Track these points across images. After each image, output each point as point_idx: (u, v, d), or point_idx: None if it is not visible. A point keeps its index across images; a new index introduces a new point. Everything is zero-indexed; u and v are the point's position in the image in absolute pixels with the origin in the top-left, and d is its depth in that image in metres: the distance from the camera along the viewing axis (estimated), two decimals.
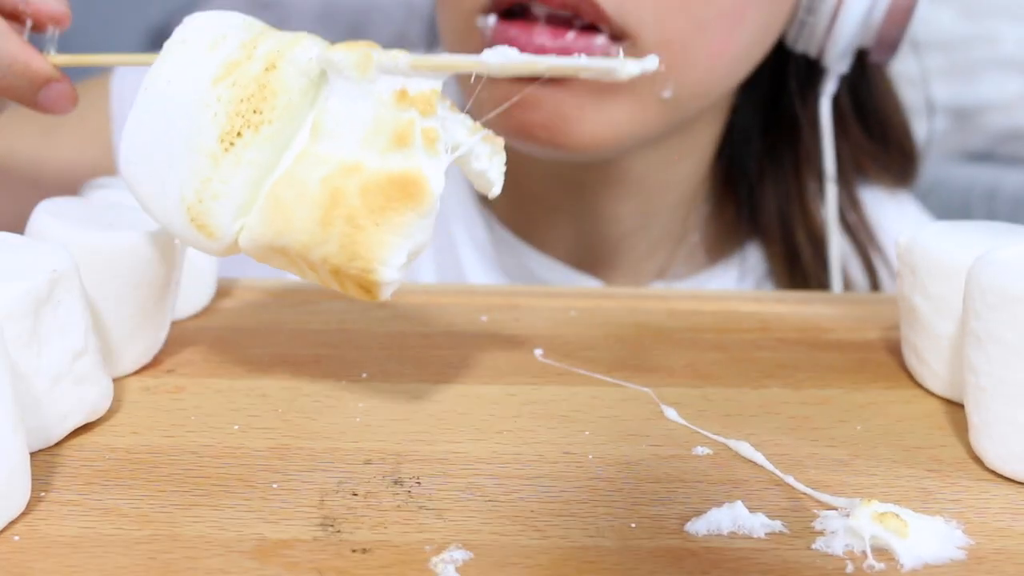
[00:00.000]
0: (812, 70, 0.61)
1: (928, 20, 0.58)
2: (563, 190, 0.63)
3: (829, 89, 0.61)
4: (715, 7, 0.51)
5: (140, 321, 0.37)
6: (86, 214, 0.37)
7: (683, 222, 0.66)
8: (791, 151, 0.64)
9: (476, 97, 0.54)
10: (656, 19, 0.50)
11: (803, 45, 0.58)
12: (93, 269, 0.35)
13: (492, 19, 0.50)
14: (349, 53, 0.32)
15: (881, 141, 0.68)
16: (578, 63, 0.31)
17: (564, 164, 0.61)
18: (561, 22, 0.50)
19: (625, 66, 0.31)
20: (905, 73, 0.69)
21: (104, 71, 0.68)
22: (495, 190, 0.34)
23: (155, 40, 1.28)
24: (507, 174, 0.69)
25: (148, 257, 0.36)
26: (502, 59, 0.32)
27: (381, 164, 0.32)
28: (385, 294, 0.32)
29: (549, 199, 0.64)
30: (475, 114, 0.55)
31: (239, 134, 0.33)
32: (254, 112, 0.33)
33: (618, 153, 0.57)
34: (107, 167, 0.65)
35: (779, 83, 0.63)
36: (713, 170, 0.66)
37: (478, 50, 0.51)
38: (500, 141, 0.34)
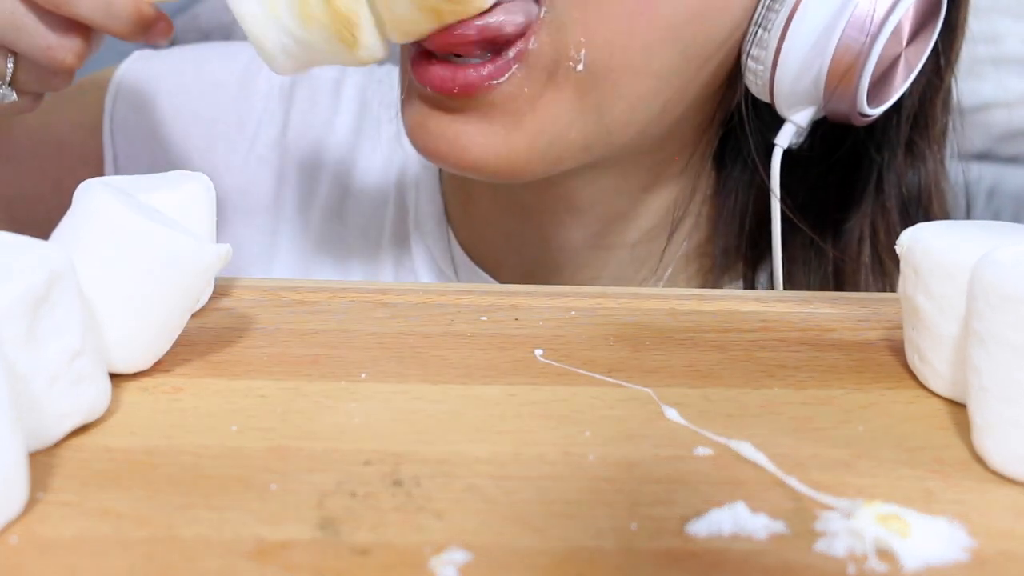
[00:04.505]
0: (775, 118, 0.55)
1: None
2: (509, 213, 0.61)
3: (782, 141, 0.54)
4: None
5: (164, 322, 0.37)
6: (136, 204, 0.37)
7: (656, 260, 0.62)
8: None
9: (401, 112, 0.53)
10: None
11: (754, 88, 0.53)
12: (145, 257, 0.35)
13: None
14: None
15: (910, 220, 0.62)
16: None
17: (502, 185, 0.58)
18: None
19: None
20: None
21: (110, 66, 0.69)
22: None
23: None
24: (461, 194, 0.68)
25: (194, 270, 0.36)
26: None
27: None
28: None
29: (499, 222, 0.62)
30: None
31: None
32: None
33: (550, 174, 0.53)
34: (96, 149, 0.66)
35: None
36: (708, 211, 0.62)
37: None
38: None
